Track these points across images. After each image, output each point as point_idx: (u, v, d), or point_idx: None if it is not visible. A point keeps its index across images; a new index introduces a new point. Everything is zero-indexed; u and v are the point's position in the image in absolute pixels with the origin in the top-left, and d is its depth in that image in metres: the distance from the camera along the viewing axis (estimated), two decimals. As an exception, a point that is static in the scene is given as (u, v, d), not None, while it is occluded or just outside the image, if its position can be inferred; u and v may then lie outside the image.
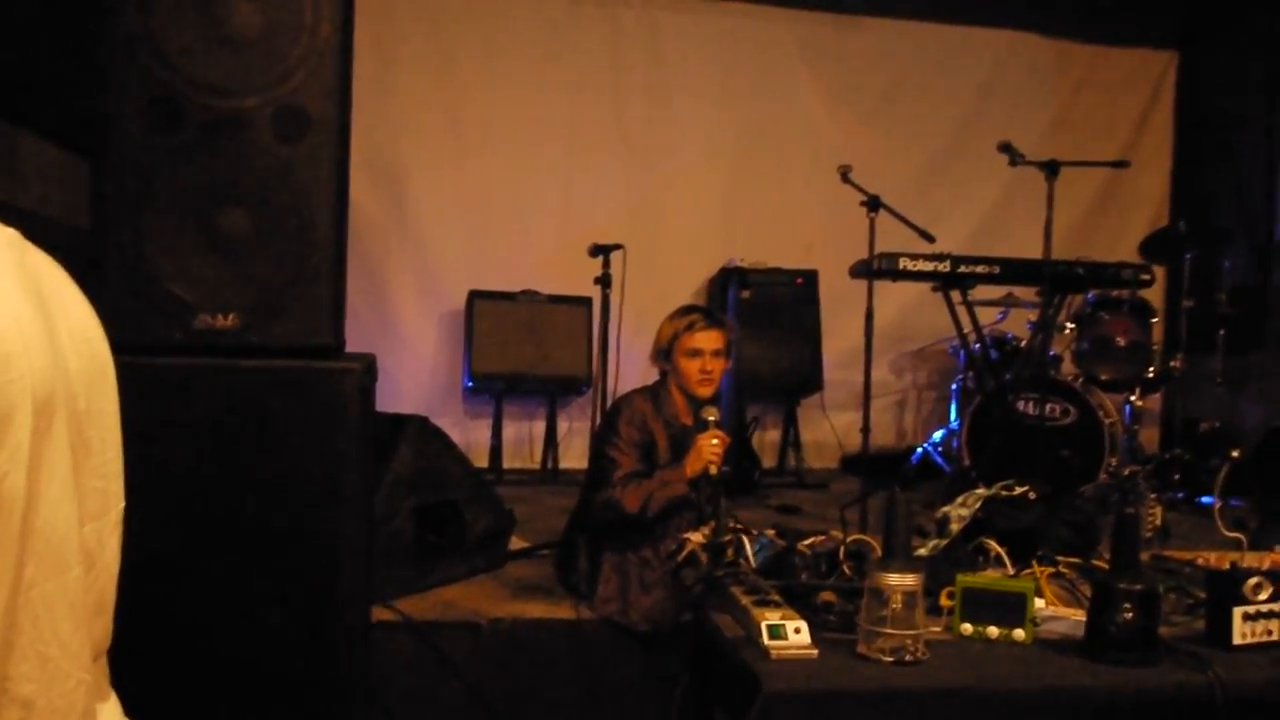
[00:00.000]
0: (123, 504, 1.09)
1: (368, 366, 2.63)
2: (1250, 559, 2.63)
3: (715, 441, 3.26)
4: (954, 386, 6.40)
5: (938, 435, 6.25)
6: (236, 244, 2.46)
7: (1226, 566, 2.41)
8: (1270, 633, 2.26)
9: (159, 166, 2.37)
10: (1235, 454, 4.55)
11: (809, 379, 6.48)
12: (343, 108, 2.53)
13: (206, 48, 2.41)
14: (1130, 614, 2.13)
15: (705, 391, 3.51)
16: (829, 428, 6.64)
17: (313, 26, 2.46)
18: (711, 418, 3.30)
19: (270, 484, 2.40)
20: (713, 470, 3.22)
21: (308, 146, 2.48)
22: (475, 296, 6.14)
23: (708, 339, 3.52)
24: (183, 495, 2.33)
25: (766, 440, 6.64)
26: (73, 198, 3.57)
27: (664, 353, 3.58)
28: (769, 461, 6.49)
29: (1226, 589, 2.26)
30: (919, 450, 6.20)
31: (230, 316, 2.46)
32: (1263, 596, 2.25)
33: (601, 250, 5.03)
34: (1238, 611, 2.23)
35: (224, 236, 2.47)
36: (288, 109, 2.45)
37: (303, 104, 2.46)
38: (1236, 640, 2.23)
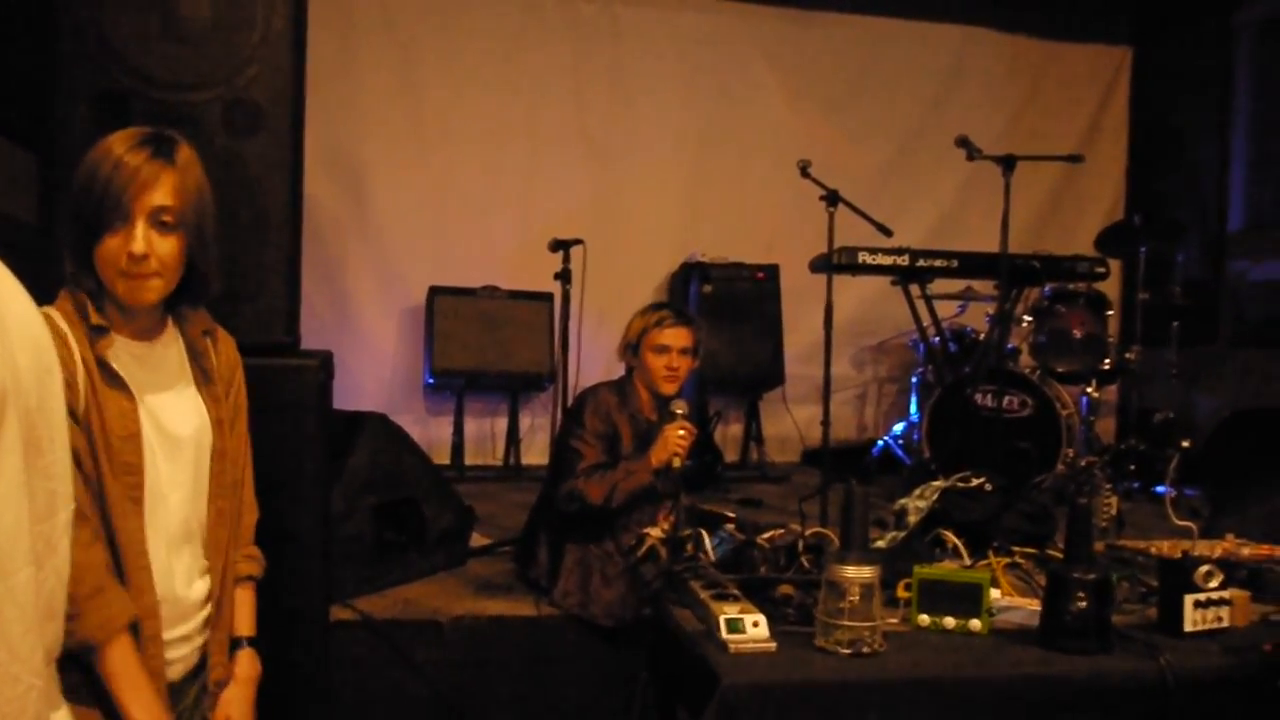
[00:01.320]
0: (73, 506, 1.08)
1: (324, 363, 2.61)
2: (1202, 547, 2.67)
3: (682, 433, 3.27)
4: (914, 379, 6.45)
5: (898, 428, 6.29)
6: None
7: (1179, 555, 2.45)
8: (1221, 619, 2.29)
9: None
10: (1186, 444, 4.63)
11: (770, 373, 6.50)
12: (296, 102, 2.51)
13: (156, 41, 2.38)
14: (1084, 603, 2.16)
15: (669, 389, 3.52)
16: (791, 421, 6.68)
17: (265, 20, 2.44)
18: (680, 410, 3.31)
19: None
20: (676, 463, 3.23)
21: (260, 141, 2.46)
22: (436, 292, 6.10)
23: (676, 336, 3.53)
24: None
25: (729, 434, 6.67)
26: (21, 192, 3.52)
27: (632, 347, 3.58)
28: (731, 455, 6.51)
29: (1178, 577, 2.30)
30: (880, 443, 6.25)
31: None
32: (1213, 584, 2.29)
33: (562, 245, 5.01)
34: (1189, 599, 2.27)
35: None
36: (239, 103, 2.43)
37: (255, 98, 2.44)
38: (1188, 627, 2.26)
